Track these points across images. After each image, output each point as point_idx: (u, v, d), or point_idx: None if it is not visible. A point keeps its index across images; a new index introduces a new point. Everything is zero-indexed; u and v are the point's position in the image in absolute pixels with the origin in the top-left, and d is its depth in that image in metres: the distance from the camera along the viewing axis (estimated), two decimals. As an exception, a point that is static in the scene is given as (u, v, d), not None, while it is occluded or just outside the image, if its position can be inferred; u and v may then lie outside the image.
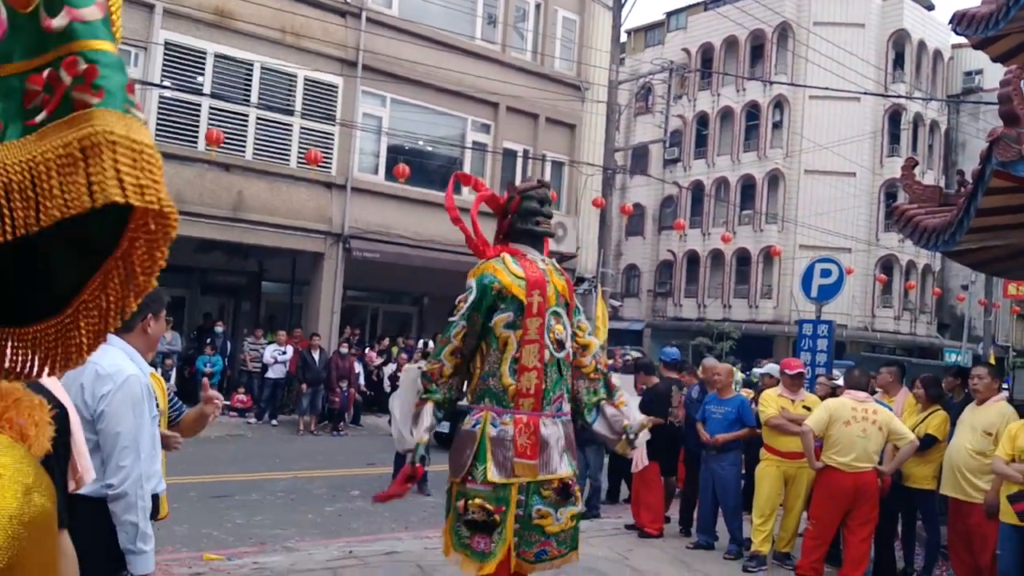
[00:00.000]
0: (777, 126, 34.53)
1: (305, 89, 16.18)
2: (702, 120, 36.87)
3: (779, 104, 34.20)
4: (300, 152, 15.88)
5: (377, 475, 10.11)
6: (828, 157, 31.74)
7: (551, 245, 4.97)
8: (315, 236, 16.21)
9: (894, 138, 34.25)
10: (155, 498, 3.00)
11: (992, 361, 28.50)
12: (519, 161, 19.25)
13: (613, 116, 19.12)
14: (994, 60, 8.61)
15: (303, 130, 16.20)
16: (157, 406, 3.07)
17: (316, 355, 14.81)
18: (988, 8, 7.36)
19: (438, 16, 17.62)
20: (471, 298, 4.23)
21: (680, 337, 33.81)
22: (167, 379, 12.63)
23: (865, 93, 25.08)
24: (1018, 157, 5.42)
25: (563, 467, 4.22)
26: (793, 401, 7.05)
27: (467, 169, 18.33)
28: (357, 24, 16.58)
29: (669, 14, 39.74)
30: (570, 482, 4.24)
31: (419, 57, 16.99)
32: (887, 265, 33.16)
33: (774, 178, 34.18)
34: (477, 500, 4.10)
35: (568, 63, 20.02)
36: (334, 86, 16.51)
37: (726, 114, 35.83)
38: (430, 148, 18.50)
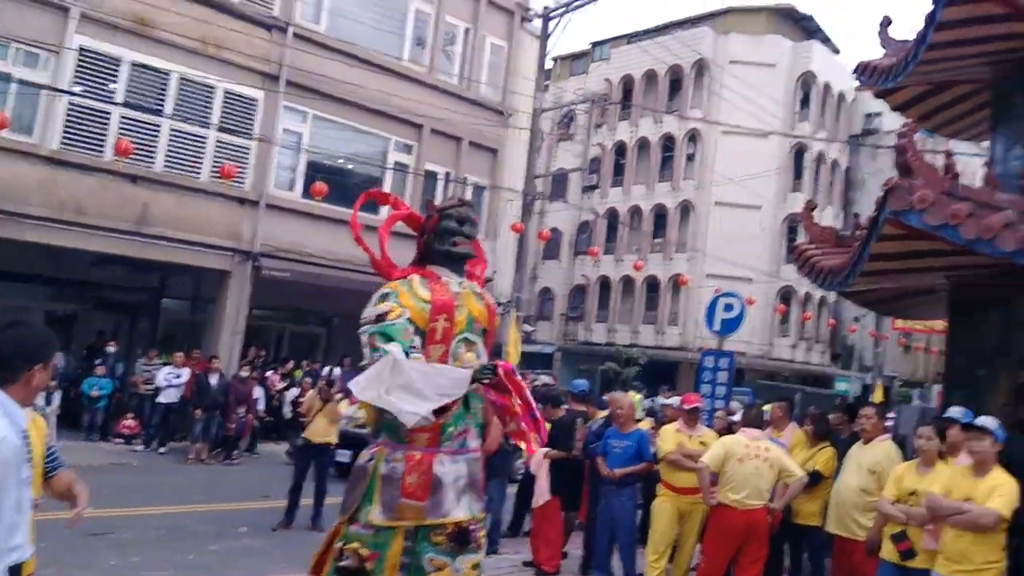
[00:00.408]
0: (691, 158, 35.51)
1: (224, 102, 15.79)
2: (620, 149, 37.64)
3: (693, 137, 35.20)
4: (214, 166, 15.44)
5: (269, 509, 9.64)
6: (737, 190, 32.75)
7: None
8: (222, 253, 15.75)
9: (798, 174, 35.60)
10: (16, 568, 2.66)
11: (880, 390, 29.92)
12: (440, 184, 19.21)
13: (535, 142, 19.35)
14: (893, 109, 9.08)
15: (218, 143, 15.78)
16: (30, 459, 2.74)
17: (214, 379, 13.98)
18: (889, 61, 7.76)
19: (366, 35, 17.50)
20: (404, 311, 3.88)
21: (590, 362, 34.24)
22: (50, 402, 12.04)
23: (772, 133, 25.97)
24: (910, 207, 5.70)
25: (459, 510, 3.84)
26: (691, 436, 7.18)
27: (388, 189, 18.20)
28: (282, 39, 16.34)
29: (594, 44, 40.53)
30: (469, 527, 3.87)
31: (344, 75, 16.83)
32: (786, 296, 34.30)
33: (686, 208, 35.10)
34: (354, 544, 3.74)
35: (494, 88, 20.15)
36: (254, 100, 16.19)
37: (643, 144, 36.68)
38: (350, 167, 18.25)
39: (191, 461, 13.56)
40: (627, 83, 37.30)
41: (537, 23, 20.00)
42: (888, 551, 5.68)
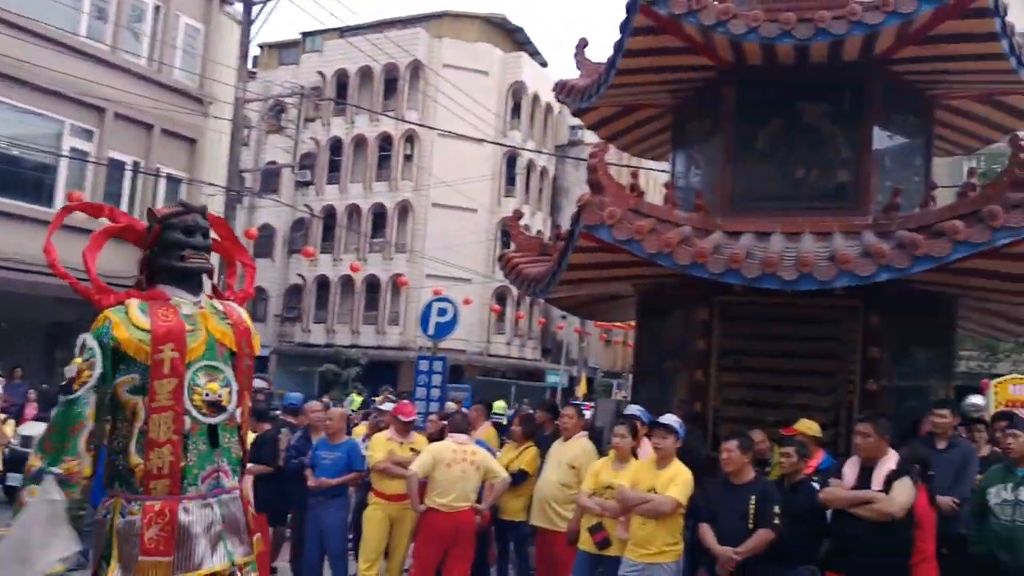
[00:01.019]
0: (408, 159, 35.87)
1: None
2: (336, 145, 37.08)
3: (411, 138, 35.57)
4: None
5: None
6: (453, 193, 33.61)
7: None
8: None
9: (510, 180, 37.31)
10: None
11: (584, 382, 32.26)
12: (128, 174, 17.62)
13: (239, 134, 18.39)
14: (588, 128, 9.72)
15: None
16: None
17: None
18: (584, 82, 8.27)
19: (36, 6, 15.49)
20: (97, 362, 3.29)
21: (308, 363, 33.50)
22: None
23: (485, 140, 26.95)
24: (601, 222, 6.11)
25: (216, 558, 3.39)
26: (401, 444, 7.21)
27: (63, 179, 16.41)
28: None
29: (305, 35, 39.50)
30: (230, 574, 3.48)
31: (9, 49, 14.82)
32: (501, 296, 35.84)
33: (404, 209, 35.43)
34: None
35: (191, 74, 18.85)
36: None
37: (360, 142, 36.44)
38: (16, 152, 16.09)
39: None
40: (341, 78, 36.81)
41: (238, 7, 18.95)
42: (585, 541, 6.10)
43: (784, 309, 7.08)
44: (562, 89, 8.38)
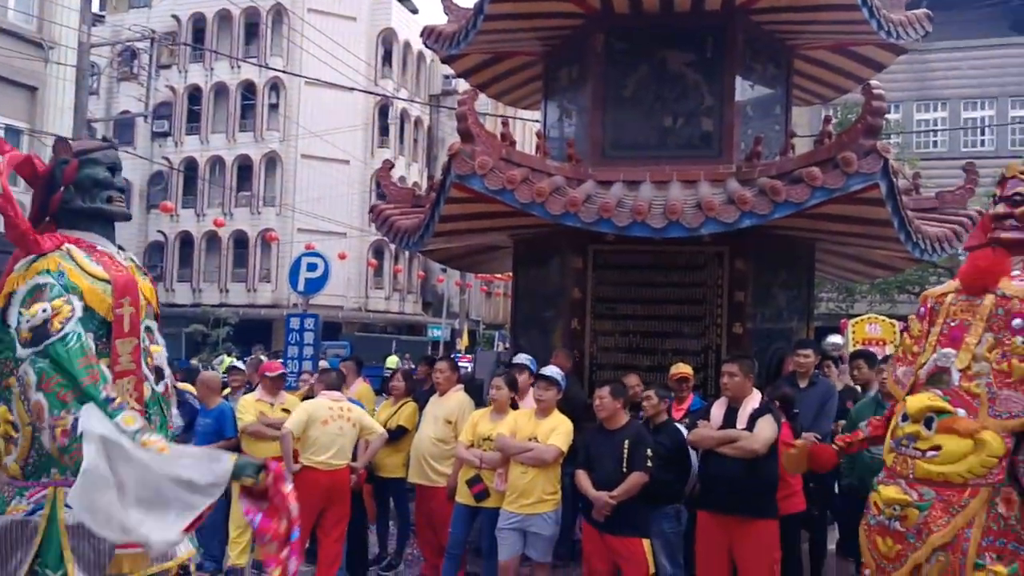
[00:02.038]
0: (274, 108, 34.49)
1: None
2: (195, 94, 35.24)
3: (276, 86, 34.17)
4: None
5: None
6: (324, 144, 32.64)
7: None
8: None
9: (384, 130, 36.54)
10: None
11: (466, 334, 32.39)
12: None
13: (85, 82, 17.08)
14: (458, 75, 9.52)
15: None
16: None
17: None
18: (452, 28, 8.05)
19: None
20: (73, 299, 2.78)
21: (174, 324, 32.01)
22: None
23: (356, 89, 26.18)
24: (472, 172, 6.01)
25: (183, 548, 2.98)
26: (272, 405, 6.97)
27: None
28: None
29: (157, -25, 37.15)
30: (189, 562, 3.07)
31: None
32: (379, 250, 35.31)
33: (271, 161, 34.16)
34: None
35: (27, 16, 17.40)
36: None
37: (220, 90, 34.72)
38: None
39: None
40: (198, 22, 34.82)
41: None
42: (463, 494, 6.08)
43: (654, 256, 7.22)
44: (430, 35, 8.15)
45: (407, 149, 37.36)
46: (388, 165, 9.44)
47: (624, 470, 5.31)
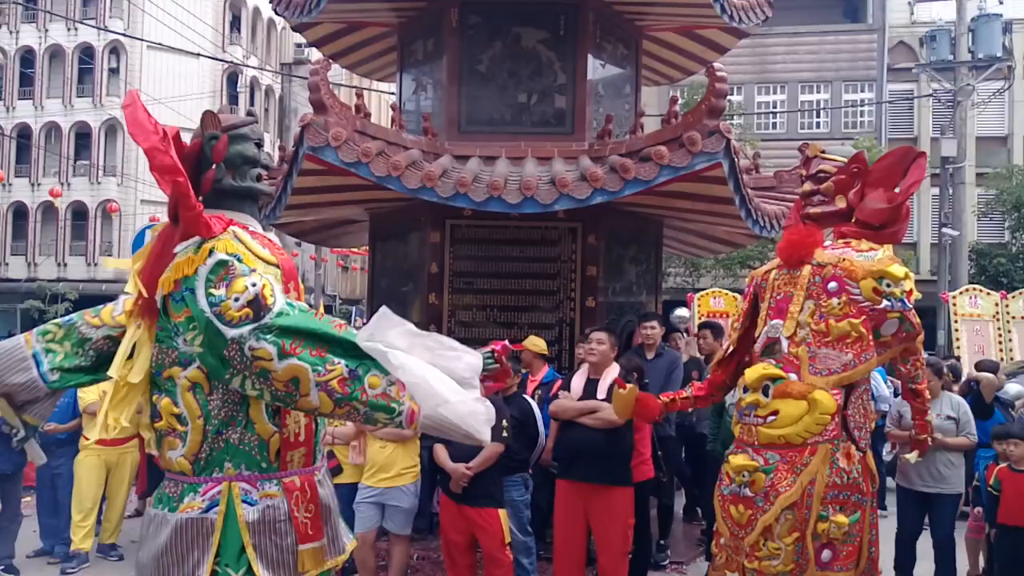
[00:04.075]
0: (114, 72, 32.50)
1: None
2: (28, 56, 32.72)
3: (116, 50, 32.18)
4: None
5: None
6: (169, 112, 30.98)
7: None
8: None
9: (233, 99, 35.04)
10: None
11: (322, 308, 31.73)
12: None
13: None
14: (310, 44, 9.27)
15: None
16: None
17: None
18: (304, -6, 7.82)
19: None
20: (271, 276, 2.64)
21: (7, 300, 30.09)
22: None
23: (202, 55, 25.01)
24: (326, 144, 5.89)
25: (347, 538, 2.93)
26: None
27: None
28: None
29: (-19, -73, 34.14)
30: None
31: None
32: (230, 223, 34.01)
33: (112, 128, 32.17)
34: None
35: None
36: None
37: (56, 53, 32.40)
38: None
39: None
40: (30, -21, 32.44)
41: None
42: (348, 474, 5.99)
43: (510, 232, 7.31)
44: (280, 1, 7.88)
45: (259, 119, 35.96)
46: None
47: (480, 442, 5.39)
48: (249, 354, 2.44)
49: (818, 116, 26.03)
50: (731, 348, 4.64)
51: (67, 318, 2.99)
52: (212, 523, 2.58)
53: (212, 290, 2.53)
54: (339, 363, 2.44)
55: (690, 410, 6.06)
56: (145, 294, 2.70)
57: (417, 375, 2.45)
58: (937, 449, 5.76)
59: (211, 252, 2.59)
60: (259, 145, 3.01)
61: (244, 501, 2.61)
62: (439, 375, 2.48)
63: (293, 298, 2.72)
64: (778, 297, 4.27)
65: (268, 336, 2.44)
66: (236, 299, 2.49)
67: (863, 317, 3.97)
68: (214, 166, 2.86)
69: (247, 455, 2.64)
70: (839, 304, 4.00)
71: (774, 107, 26.14)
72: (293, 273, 2.87)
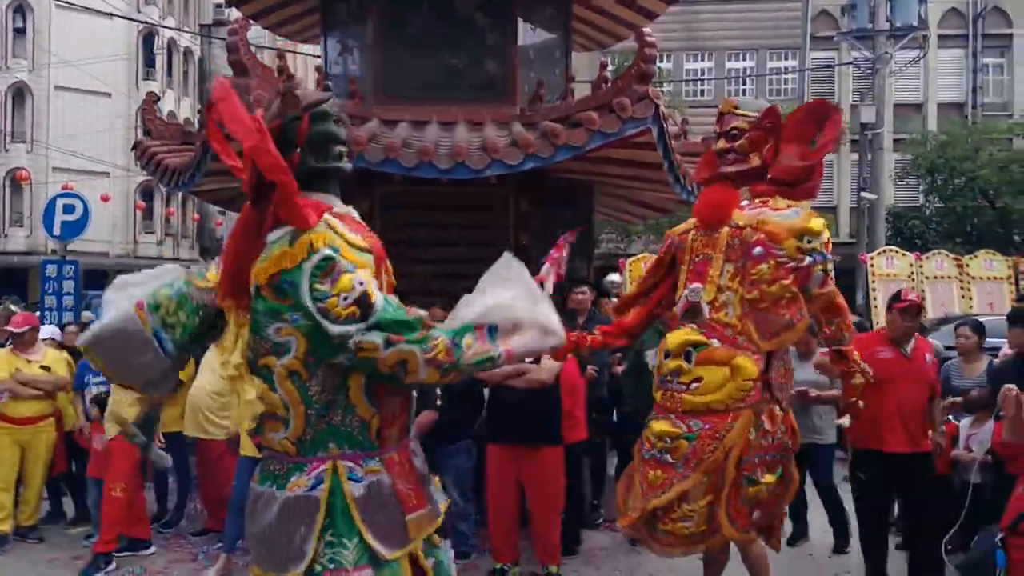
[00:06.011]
0: (20, 32, 30.87)
1: None
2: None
3: (21, 8, 30.54)
4: None
5: None
6: (81, 75, 29.71)
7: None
8: None
9: (149, 61, 33.76)
10: None
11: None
12: None
13: None
14: (229, 4, 8.89)
15: None
16: None
17: None
18: (221, -48, 7.49)
19: None
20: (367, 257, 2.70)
21: (-92, 274, 28.60)
22: None
23: (113, 15, 23.96)
24: (247, 107, 5.66)
25: (441, 497, 3.01)
26: (30, 361, 6.38)
27: None
28: None
29: None
30: None
31: None
32: (148, 191, 32.83)
33: (20, 92, 30.63)
34: None
35: None
36: None
37: (-45, 12, 30.64)
38: None
39: None
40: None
41: None
42: (247, 446, 5.88)
43: (442, 198, 7.17)
44: (198, -42, 7.55)
45: (176, 82, 34.80)
46: (153, 98, 8.73)
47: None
48: (354, 346, 2.53)
49: (744, 83, 26.38)
50: (635, 292, 4.65)
51: (174, 286, 2.95)
52: (317, 500, 2.66)
53: (318, 285, 2.56)
54: (440, 336, 2.57)
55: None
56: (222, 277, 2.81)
57: (487, 304, 2.75)
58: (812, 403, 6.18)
59: (311, 245, 2.60)
60: (338, 121, 2.91)
61: (350, 478, 2.69)
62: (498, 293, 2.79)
63: (384, 280, 2.83)
64: (696, 260, 4.27)
65: (374, 331, 2.53)
66: (344, 297, 2.54)
67: (791, 276, 4.00)
68: (298, 148, 2.79)
69: (350, 436, 2.72)
70: (768, 269, 4.02)
71: (702, 74, 26.38)
72: (383, 256, 2.89)
